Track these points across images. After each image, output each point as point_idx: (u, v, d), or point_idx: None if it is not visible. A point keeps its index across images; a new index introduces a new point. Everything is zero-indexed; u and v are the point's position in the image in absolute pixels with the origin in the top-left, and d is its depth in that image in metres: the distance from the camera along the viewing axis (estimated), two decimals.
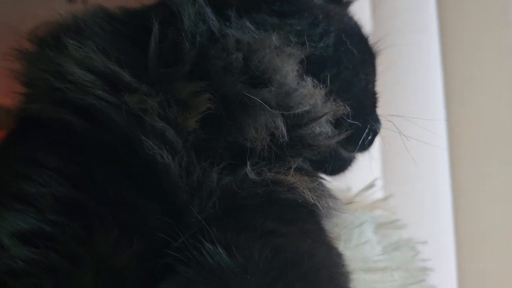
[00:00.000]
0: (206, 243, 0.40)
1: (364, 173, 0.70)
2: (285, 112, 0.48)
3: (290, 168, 0.50)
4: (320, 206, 0.50)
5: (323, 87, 0.52)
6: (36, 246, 0.39)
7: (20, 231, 0.39)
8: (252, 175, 0.47)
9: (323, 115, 0.51)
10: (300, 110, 0.49)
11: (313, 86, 0.51)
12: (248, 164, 0.47)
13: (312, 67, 0.52)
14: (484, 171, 1.06)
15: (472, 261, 1.06)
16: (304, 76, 0.51)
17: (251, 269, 0.38)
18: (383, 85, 0.67)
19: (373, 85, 0.65)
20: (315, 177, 0.53)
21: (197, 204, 0.45)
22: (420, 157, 0.79)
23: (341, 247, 0.56)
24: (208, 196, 0.45)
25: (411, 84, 1.09)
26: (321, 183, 0.54)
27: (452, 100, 1.06)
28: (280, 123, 0.48)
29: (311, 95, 0.51)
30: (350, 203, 0.65)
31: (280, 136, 0.48)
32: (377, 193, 0.83)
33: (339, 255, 0.48)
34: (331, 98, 0.52)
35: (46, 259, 0.38)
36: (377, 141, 0.64)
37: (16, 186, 0.42)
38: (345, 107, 0.53)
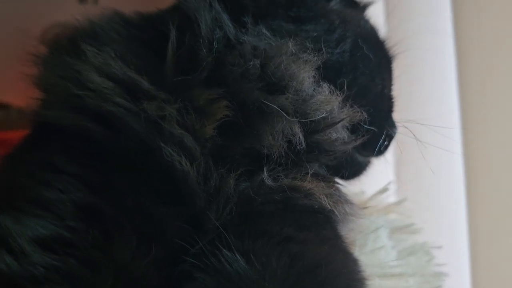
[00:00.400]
0: (224, 250, 0.40)
1: (377, 177, 0.69)
2: (302, 120, 0.48)
3: (307, 173, 0.49)
4: (336, 212, 0.50)
5: (339, 93, 0.51)
6: (56, 253, 0.39)
7: (40, 237, 0.40)
8: (268, 181, 0.47)
9: (339, 121, 0.51)
10: (317, 117, 0.49)
11: (330, 92, 0.51)
12: (265, 170, 0.47)
13: (329, 73, 0.52)
14: (499, 176, 1.05)
15: (486, 265, 1.05)
16: (321, 82, 0.51)
17: (269, 276, 0.39)
18: (397, 89, 0.67)
19: (389, 90, 0.64)
20: (331, 183, 0.53)
21: (215, 210, 0.45)
22: (435, 161, 0.78)
23: (356, 252, 0.56)
24: (225, 202, 0.45)
25: (426, 88, 1.08)
26: (337, 189, 0.54)
27: (467, 104, 1.05)
28: (297, 130, 0.48)
29: (327, 101, 0.50)
30: (366, 207, 0.65)
31: (298, 144, 0.48)
32: (391, 197, 0.82)
33: (355, 262, 0.48)
34: (347, 104, 0.52)
35: (65, 266, 0.39)
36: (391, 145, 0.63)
37: (35, 192, 0.42)
38: (362, 113, 0.53)
